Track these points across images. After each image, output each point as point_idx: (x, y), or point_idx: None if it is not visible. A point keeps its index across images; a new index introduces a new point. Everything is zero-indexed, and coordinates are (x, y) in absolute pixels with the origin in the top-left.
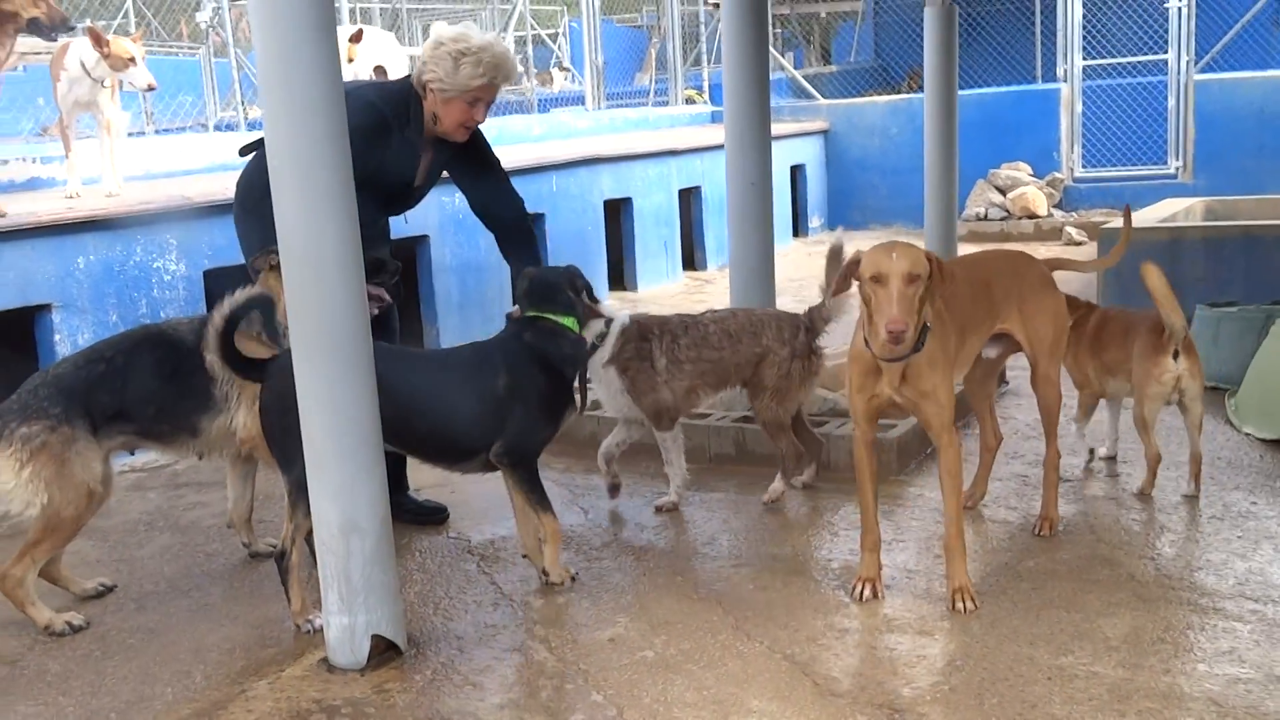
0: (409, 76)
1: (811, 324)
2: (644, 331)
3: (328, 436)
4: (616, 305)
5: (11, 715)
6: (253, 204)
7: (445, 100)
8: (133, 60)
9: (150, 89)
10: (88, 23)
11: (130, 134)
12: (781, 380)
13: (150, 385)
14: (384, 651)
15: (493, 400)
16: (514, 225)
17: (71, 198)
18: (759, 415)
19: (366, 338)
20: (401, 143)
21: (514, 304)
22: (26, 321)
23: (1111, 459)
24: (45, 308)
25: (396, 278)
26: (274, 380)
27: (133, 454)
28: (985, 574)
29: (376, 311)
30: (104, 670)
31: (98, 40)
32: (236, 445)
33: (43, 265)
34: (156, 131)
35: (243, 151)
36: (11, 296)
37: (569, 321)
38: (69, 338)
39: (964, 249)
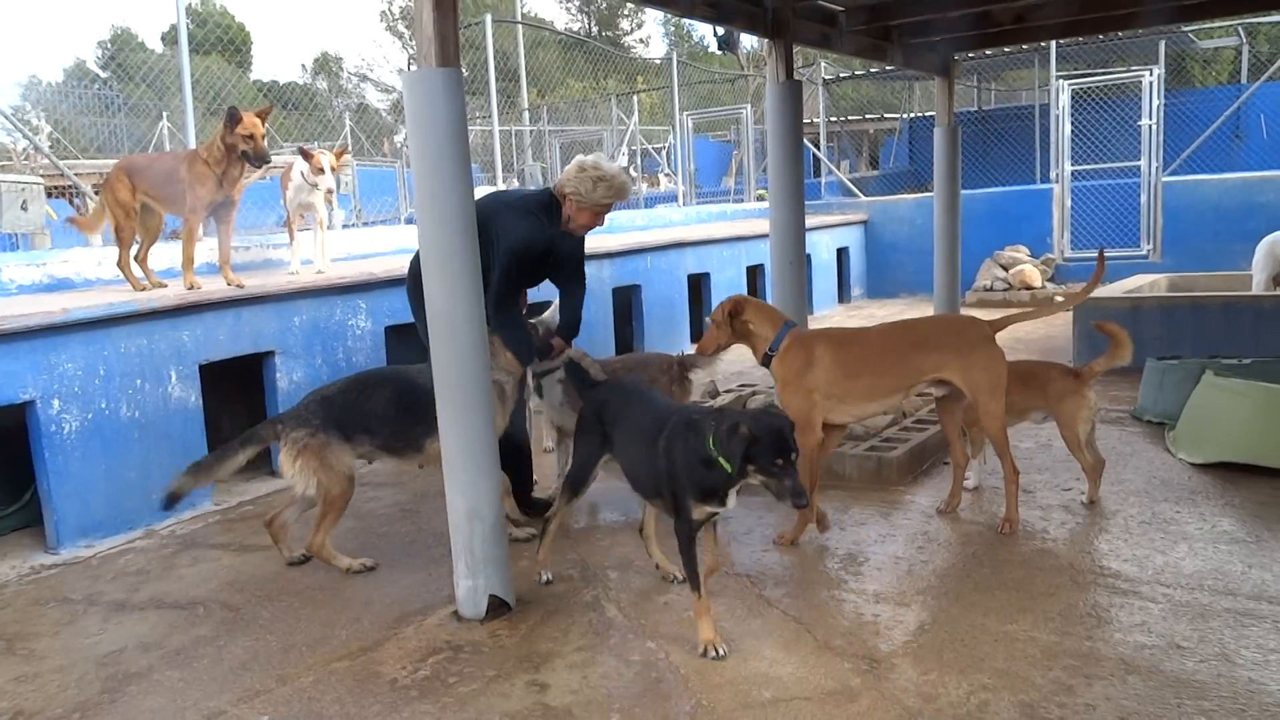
0: (550, 187)
1: (682, 363)
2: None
3: (457, 448)
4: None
5: (235, 646)
6: (416, 279)
7: (580, 208)
8: (322, 170)
9: (329, 191)
10: (311, 146)
11: (345, 225)
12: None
13: (388, 412)
14: (498, 607)
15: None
16: (578, 291)
17: (292, 274)
18: None
19: (486, 380)
20: (546, 234)
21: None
22: (258, 363)
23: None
24: (271, 353)
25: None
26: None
27: (371, 464)
28: (955, 560)
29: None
30: (299, 617)
31: (307, 155)
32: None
33: (270, 322)
34: (364, 224)
35: None
36: (249, 345)
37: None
38: (287, 375)
39: (971, 313)
